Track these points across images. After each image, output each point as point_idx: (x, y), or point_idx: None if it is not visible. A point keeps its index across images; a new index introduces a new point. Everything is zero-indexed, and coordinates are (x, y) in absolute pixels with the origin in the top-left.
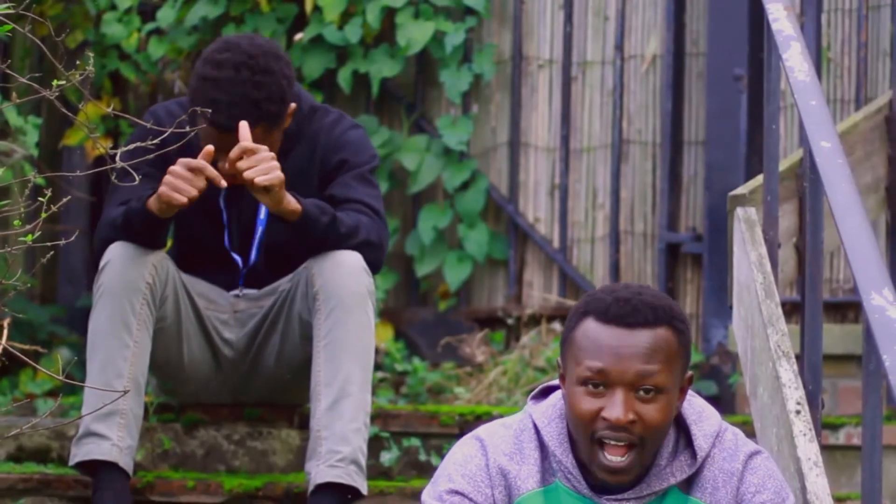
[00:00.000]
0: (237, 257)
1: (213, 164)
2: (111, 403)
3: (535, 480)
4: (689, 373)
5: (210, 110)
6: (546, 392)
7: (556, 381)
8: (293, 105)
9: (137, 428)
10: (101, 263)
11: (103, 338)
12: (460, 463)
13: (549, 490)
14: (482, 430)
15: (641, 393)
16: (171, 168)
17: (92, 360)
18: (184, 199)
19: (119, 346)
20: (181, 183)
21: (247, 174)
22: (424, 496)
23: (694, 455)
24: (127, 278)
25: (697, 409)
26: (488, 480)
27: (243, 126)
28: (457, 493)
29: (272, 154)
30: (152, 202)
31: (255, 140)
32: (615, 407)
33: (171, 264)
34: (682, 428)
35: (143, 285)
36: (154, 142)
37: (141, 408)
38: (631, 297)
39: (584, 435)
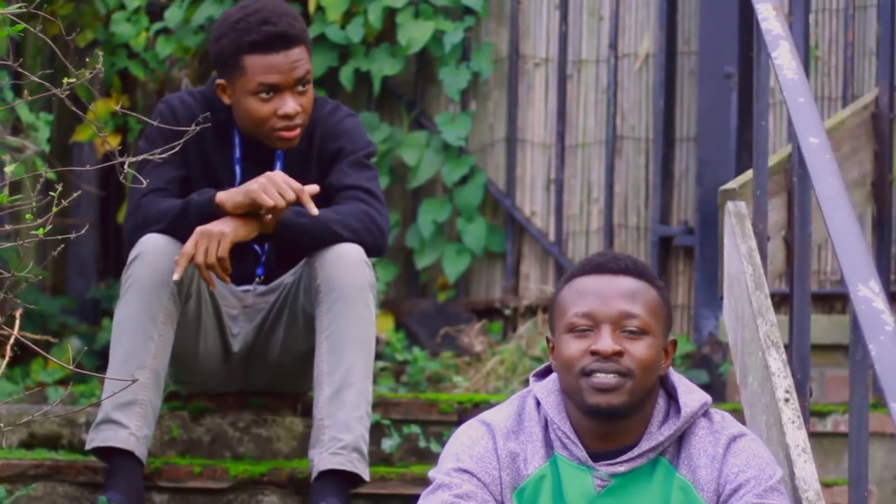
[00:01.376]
0: (257, 248)
1: (269, 118)
2: (132, 393)
3: (540, 457)
4: (673, 338)
5: (265, 35)
6: (547, 371)
7: None
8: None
9: (155, 419)
10: (132, 255)
11: (129, 329)
12: (467, 445)
13: (551, 464)
14: (487, 414)
15: (626, 332)
16: (270, 174)
17: (116, 350)
18: (270, 203)
19: (144, 339)
20: (273, 189)
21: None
22: (433, 473)
23: (679, 415)
24: (157, 273)
25: (687, 384)
26: (496, 462)
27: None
28: (465, 471)
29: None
30: (224, 197)
31: (306, 62)
32: (602, 339)
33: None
34: (672, 398)
35: (172, 281)
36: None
37: (160, 399)
38: (610, 252)
39: (575, 374)
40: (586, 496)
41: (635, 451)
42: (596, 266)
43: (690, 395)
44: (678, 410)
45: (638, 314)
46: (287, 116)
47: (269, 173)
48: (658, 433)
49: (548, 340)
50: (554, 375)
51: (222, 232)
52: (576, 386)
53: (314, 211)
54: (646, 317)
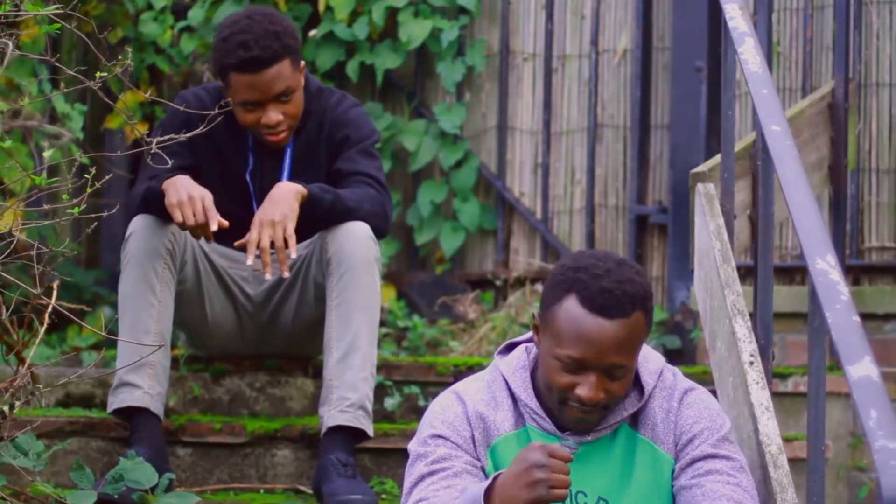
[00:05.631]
0: None
1: (254, 125)
2: (145, 356)
3: (510, 424)
4: None
5: (240, 59)
6: (510, 347)
7: (519, 338)
8: (303, 63)
9: (166, 377)
10: (126, 234)
11: (131, 299)
12: (439, 412)
13: (522, 432)
14: (457, 386)
15: (612, 375)
16: (194, 196)
17: (122, 320)
18: (180, 219)
19: (145, 306)
20: (188, 209)
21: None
22: (410, 446)
23: (642, 391)
24: (149, 246)
25: (644, 353)
26: (467, 424)
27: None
28: (439, 437)
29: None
30: (166, 186)
31: (286, 78)
32: (588, 388)
33: (188, 232)
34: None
35: (164, 251)
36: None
37: (168, 359)
38: (613, 288)
39: (556, 398)
40: None
41: (601, 425)
42: (599, 308)
43: (648, 367)
44: (637, 381)
45: (626, 364)
46: (269, 126)
47: (196, 193)
48: (622, 408)
49: (535, 324)
50: (518, 352)
51: (284, 217)
52: (555, 405)
53: (212, 238)
54: (633, 357)
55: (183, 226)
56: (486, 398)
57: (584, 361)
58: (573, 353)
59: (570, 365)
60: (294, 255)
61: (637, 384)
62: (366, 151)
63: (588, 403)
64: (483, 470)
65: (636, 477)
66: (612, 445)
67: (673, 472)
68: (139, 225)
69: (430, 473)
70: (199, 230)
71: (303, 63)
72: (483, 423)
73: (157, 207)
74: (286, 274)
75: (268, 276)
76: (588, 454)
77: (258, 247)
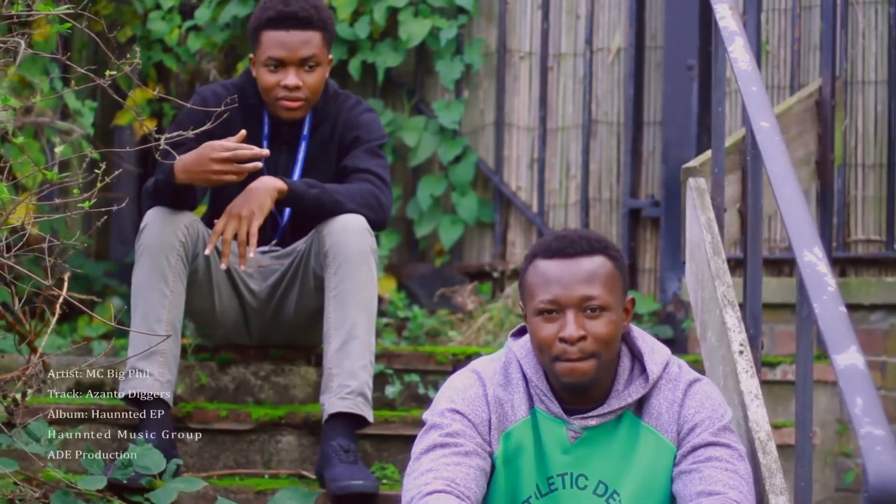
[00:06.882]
0: (277, 215)
1: (273, 87)
2: (155, 346)
3: (525, 407)
4: (631, 297)
5: (278, 12)
6: (523, 331)
7: None
8: (331, 56)
9: (176, 365)
10: (141, 226)
11: (144, 289)
12: (460, 390)
13: (532, 416)
14: (477, 364)
15: (588, 312)
16: (212, 156)
17: (135, 309)
18: (229, 177)
19: (158, 296)
20: (220, 151)
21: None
22: (427, 415)
23: (647, 380)
24: (162, 238)
25: (650, 344)
26: (486, 406)
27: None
28: (457, 412)
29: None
30: (179, 172)
31: (315, 47)
32: (568, 326)
33: (201, 225)
34: (636, 358)
35: (177, 243)
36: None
37: (178, 348)
38: (567, 234)
39: (547, 357)
40: (561, 445)
41: (605, 409)
42: (556, 251)
43: (654, 357)
44: (642, 370)
45: (597, 295)
46: (288, 88)
47: (207, 145)
48: (626, 393)
49: (522, 308)
50: (530, 336)
51: (252, 213)
52: (549, 366)
53: (262, 159)
54: (604, 295)
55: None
56: (503, 381)
57: (556, 301)
58: (545, 296)
59: (547, 312)
60: (252, 254)
61: (643, 373)
62: (371, 150)
63: (571, 342)
64: (492, 455)
65: (637, 463)
66: (615, 432)
67: (674, 459)
68: (152, 218)
69: (443, 445)
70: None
71: (331, 56)
72: (501, 408)
73: (170, 198)
74: (243, 268)
75: (223, 267)
76: (591, 439)
77: (221, 236)
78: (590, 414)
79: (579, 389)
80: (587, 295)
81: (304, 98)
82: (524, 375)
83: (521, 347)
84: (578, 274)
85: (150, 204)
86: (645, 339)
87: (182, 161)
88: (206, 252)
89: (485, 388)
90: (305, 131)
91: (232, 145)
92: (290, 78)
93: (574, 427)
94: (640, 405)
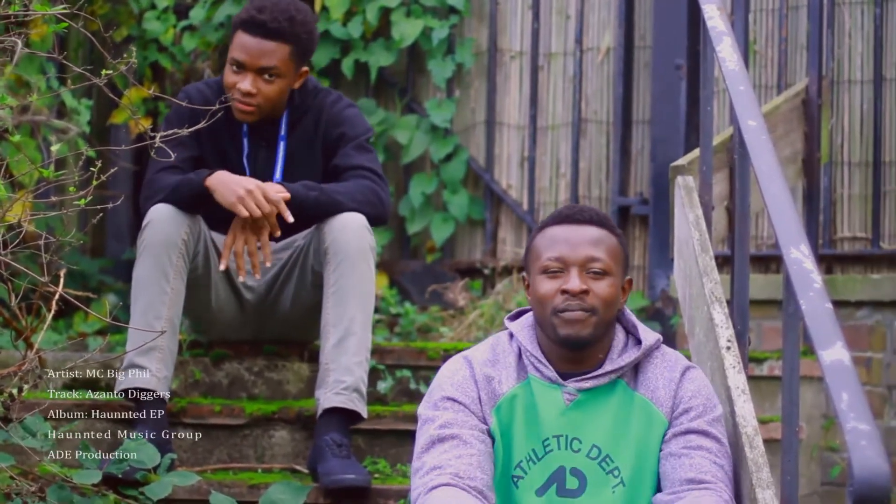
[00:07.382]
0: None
1: (231, 87)
2: (151, 341)
3: (513, 380)
4: (629, 277)
5: (249, 17)
6: (518, 315)
7: (527, 307)
8: (306, 69)
9: (173, 361)
10: (144, 222)
11: (145, 285)
12: (448, 376)
13: (525, 384)
14: (465, 352)
15: (591, 273)
16: (252, 188)
17: (135, 304)
18: (246, 214)
19: (158, 293)
20: (251, 202)
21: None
22: (421, 409)
23: (640, 349)
24: (166, 236)
25: (643, 326)
26: (474, 385)
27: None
28: (449, 399)
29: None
30: (214, 186)
31: (278, 59)
32: (571, 280)
33: (203, 224)
34: (630, 333)
35: (180, 242)
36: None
37: (176, 345)
38: (575, 205)
39: (548, 312)
40: (557, 408)
41: (599, 371)
42: (565, 217)
43: (647, 332)
44: (636, 343)
45: (601, 258)
46: (241, 92)
47: (252, 185)
48: (619, 359)
49: (524, 279)
50: (527, 316)
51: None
52: (549, 320)
53: (290, 218)
54: (607, 260)
55: (248, 221)
56: (490, 358)
57: (562, 258)
58: (551, 254)
59: (552, 269)
60: (268, 264)
61: (637, 344)
62: (360, 146)
63: (573, 293)
64: (489, 432)
65: (631, 430)
66: (609, 398)
67: (664, 434)
68: (156, 215)
69: (441, 440)
70: (268, 219)
71: (305, 68)
72: (489, 384)
73: (186, 200)
74: (258, 276)
75: (241, 279)
76: (585, 403)
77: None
78: (583, 377)
79: (577, 344)
80: (592, 256)
81: (256, 105)
82: (517, 349)
83: (517, 325)
84: (585, 237)
85: (153, 199)
86: (637, 320)
87: (223, 172)
88: (221, 268)
89: (472, 368)
90: (283, 130)
91: (274, 198)
92: (245, 83)
93: (569, 389)
94: (635, 378)
